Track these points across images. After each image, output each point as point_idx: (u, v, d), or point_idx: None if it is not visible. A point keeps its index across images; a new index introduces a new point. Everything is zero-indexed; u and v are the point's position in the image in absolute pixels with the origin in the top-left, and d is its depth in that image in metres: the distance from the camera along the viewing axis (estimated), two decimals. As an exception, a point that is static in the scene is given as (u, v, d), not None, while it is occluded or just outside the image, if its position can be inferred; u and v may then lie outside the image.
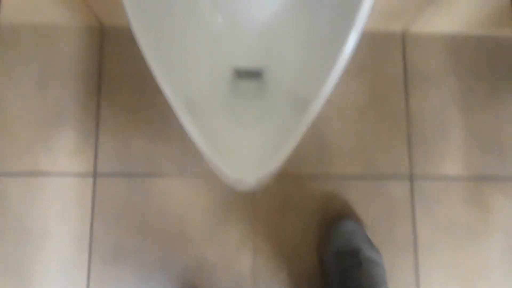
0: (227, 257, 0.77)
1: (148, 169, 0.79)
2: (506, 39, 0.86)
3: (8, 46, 0.82)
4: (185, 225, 0.78)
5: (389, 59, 0.85)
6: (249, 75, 0.59)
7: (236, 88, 0.60)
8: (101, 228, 0.77)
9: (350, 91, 0.83)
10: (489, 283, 0.79)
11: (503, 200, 0.81)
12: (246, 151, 0.51)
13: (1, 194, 0.78)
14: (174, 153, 0.80)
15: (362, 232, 0.75)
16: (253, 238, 0.78)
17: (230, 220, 0.78)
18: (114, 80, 0.82)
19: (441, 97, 0.84)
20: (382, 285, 0.70)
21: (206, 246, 0.77)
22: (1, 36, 0.82)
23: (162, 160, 0.79)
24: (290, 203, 0.79)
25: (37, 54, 0.82)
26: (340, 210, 0.79)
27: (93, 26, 0.84)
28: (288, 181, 0.80)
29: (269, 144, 0.50)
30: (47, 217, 0.77)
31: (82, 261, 0.76)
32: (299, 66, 0.56)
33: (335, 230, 0.74)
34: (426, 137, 0.82)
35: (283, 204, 0.79)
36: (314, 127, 0.44)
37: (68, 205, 0.78)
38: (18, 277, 0.76)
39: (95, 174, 0.79)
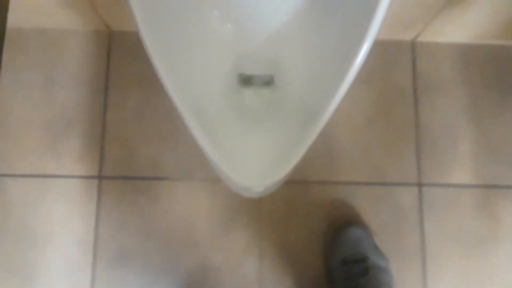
0: (233, 262, 0.77)
1: (154, 173, 0.79)
2: (516, 49, 0.85)
3: (16, 50, 0.82)
4: (190, 229, 0.77)
5: (398, 68, 0.84)
6: (260, 82, 0.59)
7: (245, 95, 0.60)
8: (106, 231, 0.77)
9: (359, 98, 0.82)
10: (498, 292, 0.78)
11: (512, 209, 0.80)
12: (254, 158, 0.50)
13: (7, 196, 0.78)
14: (180, 158, 0.79)
15: (370, 239, 0.74)
16: (259, 243, 0.77)
17: (236, 225, 0.78)
18: (121, 84, 0.82)
19: (451, 106, 0.83)
20: (390, 293, 0.70)
21: (212, 250, 0.77)
22: (9, 40, 0.82)
23: (168, 164, 0.79)
24: (297, 209, 0.79)
25: (45, 58, 0.83)
26: (347, 217, 0.78)
27: (101, 31, 0.84)
28: (294, 186, 0.79)
29: (278, 152, 0.49)
30: (52, 220, 0.77)
31: (86, 264, 0.76)
32: (309, 75, 0.55)
33: (342, 237, 0.73)
34: (435, 146, 0.82)
35: (289, 210, 0.79)
36: (322, 133, 0.43)
37: (73, 208, 0.78)
38: (22, 280, 0.76)
39: (100, 177, 0.79)
